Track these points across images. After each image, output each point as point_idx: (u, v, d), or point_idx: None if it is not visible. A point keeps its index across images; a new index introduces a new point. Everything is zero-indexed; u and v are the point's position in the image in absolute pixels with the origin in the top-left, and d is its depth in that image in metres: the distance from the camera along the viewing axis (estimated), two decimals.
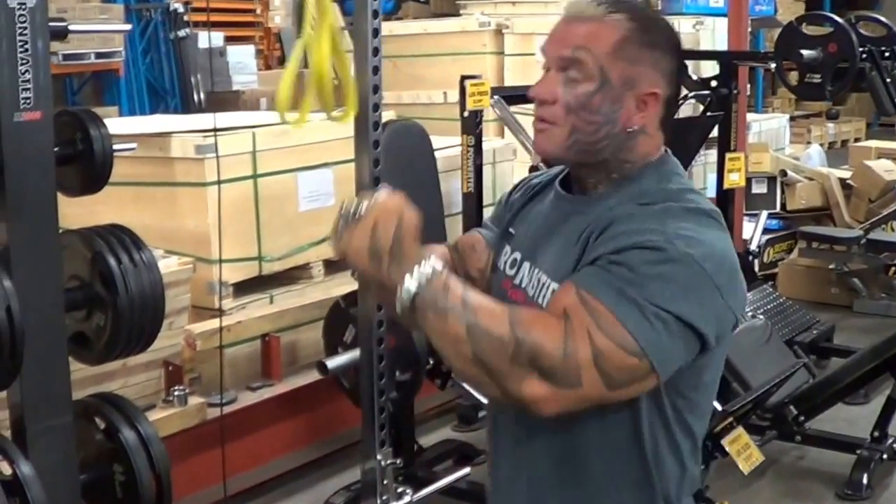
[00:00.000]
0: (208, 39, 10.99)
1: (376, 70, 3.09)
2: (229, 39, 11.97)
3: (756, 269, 7.25)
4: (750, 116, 9.29)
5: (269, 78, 11.27)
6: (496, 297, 1.99)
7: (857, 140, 15.72)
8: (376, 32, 3.07)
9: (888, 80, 5.98)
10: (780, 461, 5.27)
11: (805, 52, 5.74)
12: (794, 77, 6.01)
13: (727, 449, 4.31)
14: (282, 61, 13.53)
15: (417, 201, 4.24)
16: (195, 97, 11.23)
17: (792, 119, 14.02)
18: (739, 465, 4.34)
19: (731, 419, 4.34)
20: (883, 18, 6.51)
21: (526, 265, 2.14)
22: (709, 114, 6.06)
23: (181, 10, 11.15)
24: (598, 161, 2.05)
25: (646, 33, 2.02)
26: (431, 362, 4.23)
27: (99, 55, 9.94)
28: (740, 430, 4.38)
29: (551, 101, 2.02)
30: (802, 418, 5.10)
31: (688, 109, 6.87)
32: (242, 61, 11.22)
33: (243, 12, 13.72)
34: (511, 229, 2.25)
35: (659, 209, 1.96)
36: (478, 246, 2.35)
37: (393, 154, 4.00)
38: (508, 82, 7.68)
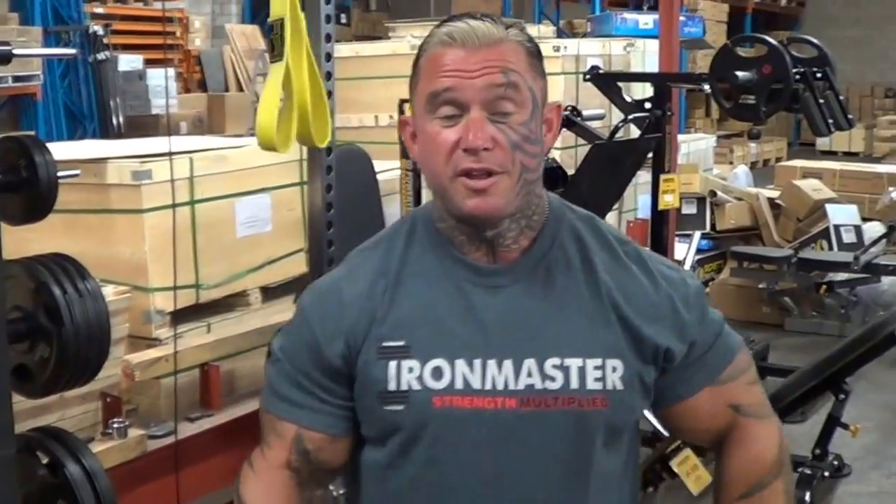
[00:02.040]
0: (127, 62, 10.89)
1: (329, 94, 3.06)
2: (148, 62, 11.85)
3: None
4: (679, 137, 9.35)
5: (189, 101, 11.17)
6: (408, 423, 1.81)
7: (778, 160, 15.92)
8: (329, 56, 3.03)
9: (821, 101, 6.04)
10: None
11: (740, 73, 5.80)
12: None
13: (676, 471, 4.30)
14: (202, 84, 13.42)
15: (363, 226, 4.19)
16: (114, 121, 11.11)
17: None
18: (689, 486, 4.34)
19: (678, 442, 4.32)
20: (814, 40, 6.58)
21: (508, 364, 1.80)
22: (647, 136, 6.07)
23: (101, 32, 11.03)
24: (527, 202, 1.85)
25: (533, 44, 1.91)
26: None
27: (17, 78, 9.82)
28: (688, 451, 4.37)
29: (492, 146, 1.76)
30: None
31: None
32: (162, 84, 11.12)
33: (163, 35, 13.59)
34: (390, 343, 1.84)
35: (645, 254, 1.95)
36: (320, 441, 1.93)
37: (338, 179, 3.95)
38: None
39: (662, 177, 6.12)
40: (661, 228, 6.08)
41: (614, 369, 1.82)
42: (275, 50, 2.88)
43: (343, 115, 7.96)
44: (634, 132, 6.19)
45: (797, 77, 5.90)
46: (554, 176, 5.33)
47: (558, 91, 7.08)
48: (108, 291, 4.26)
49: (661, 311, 1.88)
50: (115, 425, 4.20)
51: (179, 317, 4.92)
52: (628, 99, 6.21)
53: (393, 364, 1.83)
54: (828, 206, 8.17)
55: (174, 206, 4.54)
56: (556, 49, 7.40)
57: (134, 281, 4.60)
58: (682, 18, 11.48)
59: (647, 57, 8.31)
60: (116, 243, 4.74)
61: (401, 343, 1.83)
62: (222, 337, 4.89)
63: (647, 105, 6.06)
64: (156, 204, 4.58)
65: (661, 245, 5.80)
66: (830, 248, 7.97)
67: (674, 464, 4.31)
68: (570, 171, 5.37)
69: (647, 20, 10.09)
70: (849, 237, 7.97)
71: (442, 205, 1.86)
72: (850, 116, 6.43)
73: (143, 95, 10.93)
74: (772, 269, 7.79)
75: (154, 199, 4.55)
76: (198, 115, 11.18)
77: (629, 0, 16.75)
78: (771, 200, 8.72)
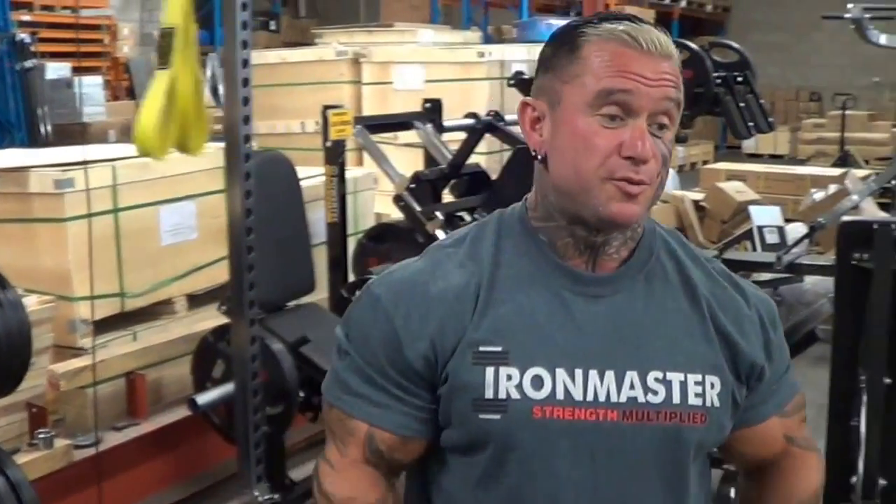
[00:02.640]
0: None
1: (246, 101, 3.07)
2: (76, 70, 11.75)
3: None
4: None
5: (118, 109, 11.09)
6: (504, 433, 1.72)
7: (705, 163, 16.06)
8: (246, 63, 3.04)
9: (741, 104, 6.14)
10: None
11: None
12: None
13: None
14: (130, 92, 13.35)
15: (285, 233, 4.20)
16: (42, 130, 10.99)
17: None
18: None
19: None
20: (735, 45, 6.68)
21: (611, 375, 1.73)
22: None
23: (28, 40, 10.90)
24: None
25: None
26: (302, 395, 4.20)
27: None
28: None
29: (651, 157, 1.69)
30: None
31: None
32: (90, 92, 11.02)
33: (91, 42, 13.49)
34: (487, 348, 1.73)
35: (728, 271, 1.90)
36: (392, 441, 1.82)
37: (260, 186, 3.97)
38: (367, 111, 7.67)
39: None
40: None
41: (713, 385, 1.78)
42: (162, 57, 2.88)
43: (269, 121, 7.96)
44: None
45: (718, 81, 5.99)
46: (478, 180, 5.38)
47: (483, 96, 7.13)
48: (32, 301, 4.24)
49: (755, 327, 1.85)
50: (41, 436, 4.18)
51: (105, 325, 4.92)
52: None
53: (490, 370, 1.72)
54: (751, 208, 8.26)
55: (90, 215, 4.53)
56: (481, 55, 7.46)
57: (58, 290, 4.59)
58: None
59: None
60: (40, 253, 4.72)
61: (499, 349, 1.72)
62: (148, 345, 4.89)
63: None
64: (79, 212, 4.56)
65: None
66: (754, 248, 8.02)
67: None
68: (494, 177, 5.43)
69: None
70: (772, 238, 8.04)
71: (559, 203, 1.74)
72: (770, 119, 6.54)
73: (71, 103, 10.82)
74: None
75: (77, 208, 4.53)
76: (126, 123, 11.10)
77: (556, 6, 16.88)
78: (696, 203, 8.82)
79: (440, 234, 4.81)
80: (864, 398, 3.75)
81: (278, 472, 4.49)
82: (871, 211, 7.90)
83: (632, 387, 1.72)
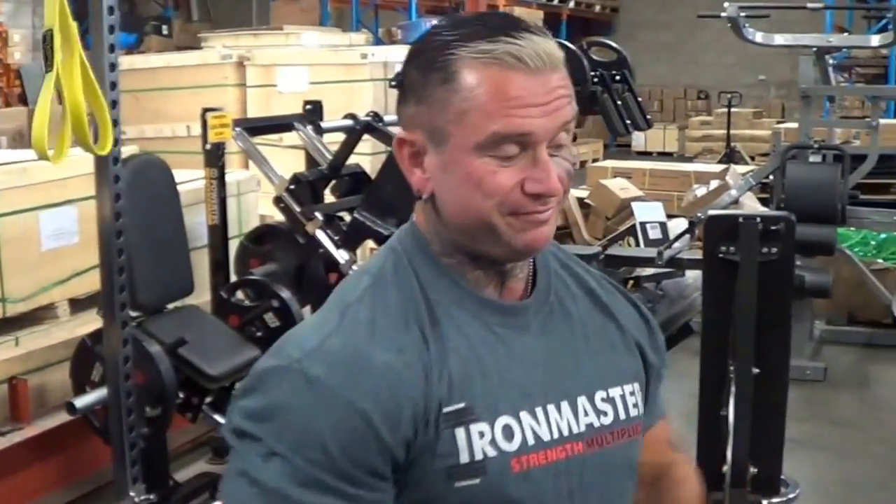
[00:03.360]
0: None
1: (115, 104, 3.09)
2: None
3: None
4: None
5: (10, 116, 10.96)
6: (485, 497, 1.52)
7: (595, 160, 16.25)
8: (113, 66, 3.07)
9: (619, 102, 6.26)
10: None
11: None
12: None
13: None
14: (22, 98, 13.19)
15: (162, 235, 4.22)
16: None
17: None
18: None
19: None
20: (613, 44, 6.79)
21: (566, 406, 1.61)
22: None
23: None
24: None
25: None
26: (182, 396, 4.23)
27: None
28: None
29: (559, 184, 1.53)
30: None
31: None
32: None
33: None
34: (452, 408, 1.50)
35: (604, 277, 1.81)
36: None
37: (135, 189, 3.99)
38: (252, 114, 7.70)
39: None
40: None
41: (638, 393, 1.71)
42: (47, 60, 2.89)
43: (156, 125, 7.96)
44: None
45: (595, 79, 6.10)
46: (359, 180, 5.45)
47: (367, 97, 7.20)
48: None
49: (649, 331, 1.80)
50: None
51: None
52: None
53: (461, 431, 1.50)
54: (634, 204, 8.36)
55: None
56: (364, 56, 7.53)
57: None
58: None
59: None
60: None
61: (462, 405, 1.51)
62: (30, 350, 4.89)
63: None
64: None
65: None
66: (637, 244, 8.16)
67: None
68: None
69: None
70: (654, 233, 8.15)
71: (458, 241, 1.57)
72: (648, 117, 6.67)
73: None
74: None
75: None
76: (18, 130, 10.98)
77: (445, 7, 16.97)
78: (581, 200, 8.95)
79: (320, 234, 4.87)
80: (733, 388, 3.87)
81: (161, 473, 4.51)
82: (751, 205, 8.08)
83: (585, 413, 1.62)
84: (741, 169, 9.85)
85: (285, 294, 4.68)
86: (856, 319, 8.20)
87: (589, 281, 1.73)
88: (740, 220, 3.89)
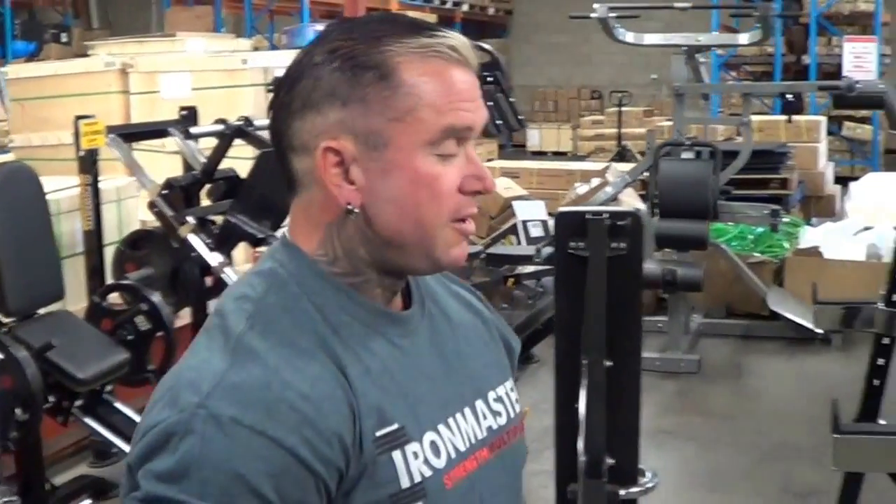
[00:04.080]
0: None
1: None
2: None
3: None
4: None
5: None
6: None
7: (490, 160, 16.43)
8: None
9: (490, 103, 6.41)
10: None
11: None
12: None
13: None
14: None
15: (30, 243, 4.29)
16: None
17: None
18: None
19: None
20: (486, 45, 6.97)
21: (469, 412, 1.55)
22: None
23: None
24: None
25: None
26: (51, 400, 4.30)
27: None
28: None
29: None
30: None
31: None
32: None
33: None
34: (383, 431, 1.41)
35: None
36: None
37: (2, 197, 4.07)
38: (135, 120, 7.71)
39: None
40: None
41: (514, 387, 1.67)
42: None
43: (41, 132, 7.96)
44: None
45: None
46: (233, 184, 5.54)
47: (248, 102, 7.27)
48: None
49: (497, 318, 1.74)
50: None
51: None
52: None
53: (397, 455, 1.42)
54: (515, 203, 8.54)
55: None
56: (244, 61, 7.60)
57: None
58: None
59: None
60: None
61: (395, 426, 1.42)
62: None
63: None
64: None
65: None
66: (519, 242, 8.33)
67: None
68: None
69: None
70: (536, 231, 8.34)
71: (379, 257, 1.47)
72: (520, 117, 6.85)
73: None
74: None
75: None
76: None
77: (338, 13, 17.01)
78: None
79: (193, 238, 4.96)
80: (585, 381, 4.01)
81: (36, 476, 4.58)
82: (629, 202, 8.28)
83: (484, 416, 1.56)
84: (622, 166, 10.06)
85: (156, 298, 4.75)
86: (734, 312, 8.43)
87: (445, 281, 1.68)
88: (588, 216, 4.03)
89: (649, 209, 7.50)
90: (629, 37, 7.89)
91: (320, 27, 10.10)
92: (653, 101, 20.08)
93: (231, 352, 1.38)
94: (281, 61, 7.75)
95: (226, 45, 9.81)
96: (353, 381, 1.39)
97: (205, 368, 1.37)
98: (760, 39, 8.69)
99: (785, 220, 8.47)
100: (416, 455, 1.43)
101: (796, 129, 11.06)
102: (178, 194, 5.17)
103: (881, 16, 16.90)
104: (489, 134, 6.59)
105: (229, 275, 4.90)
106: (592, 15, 7.56)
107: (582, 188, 9.23)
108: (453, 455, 1.48)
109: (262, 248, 5.06)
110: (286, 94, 1.44)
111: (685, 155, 7.46)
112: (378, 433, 1.39)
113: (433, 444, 1.46)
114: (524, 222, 8.33)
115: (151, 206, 5.08)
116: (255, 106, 7.21)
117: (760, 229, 8.67)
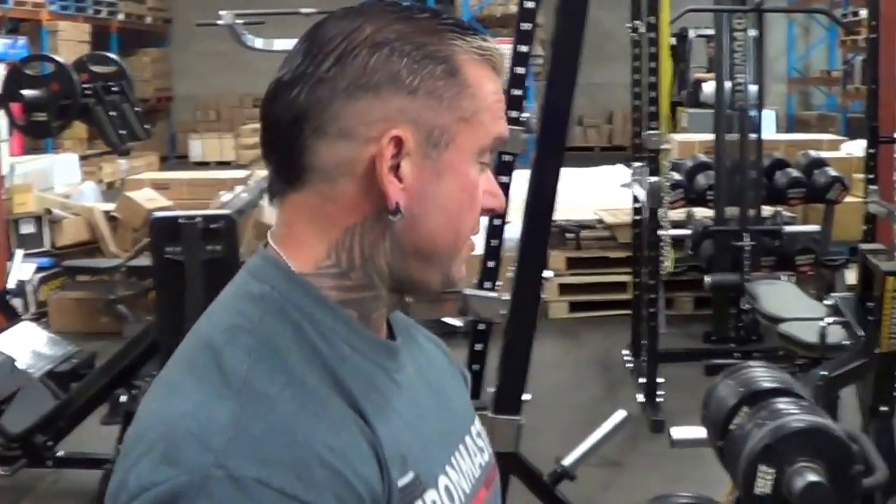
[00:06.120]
0: None
1: None
2: None
3: (28, 307, 7.51)
4: (12, 159, 9.50)
5: None
6: None
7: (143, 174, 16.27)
8: None
9: (114, 113, 6.34)
10: (37, 488, 5.43)
11: (27, 92, 5.96)
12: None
13: None
14: None
15: None
16: None
17: (84, 157, 14.30)
18: None
19: None
20: (113, 56, 6.92)
21: (463, 449, 1.42)
22: None
23: None
24: None
25: None
26: None
27: None
28: None
29: None
30: (51, 443, 5.26)
31: None
32: None
33: None
34: (404, 481, 1.25)
35: None
36: None
37: None
38: None
39: None
40: None
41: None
42: None
43: None
44: None
45: (88, 92, 6.16)
46: None
47: None
48: None
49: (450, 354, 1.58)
50: None
51: None
52: None
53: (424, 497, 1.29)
54: (154, 215, 8.47)
55: None
56: None
57: None
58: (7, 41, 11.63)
59: None
60: None
61: (411, 475, 1.26)
62: None
63: None
64: None
65: None
66: None
67: None
68: None
69: None
70: None
71: (401, 268, 1.31)
72: (146, 126, 6.81)
73: None
74: (105, 279, 8.05)
75: None
76: None
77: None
78: (108, 213, 8.96)
79: None
80: None
81: None
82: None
83: (474, 454, 1.43)
84: (263, 173, 10.10)
85: None
86: None
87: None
88: (180, 220, 4.07)
89: None
90: (258, 43, 7.93)
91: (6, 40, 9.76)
92: None
93: (236, 395, 1.17)
94: None
95: None
96: (373, 425, 1.23)
97: (207, 416, 1.16)
98: None
99: None
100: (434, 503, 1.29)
101: None
102: None
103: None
104: (111, 143, 6.48)
105: None
106: (219, 22, 7.56)
107: (226, 196, 9.21)
108: (463, 499, 1.35)
109: None
110: (329, 68, 1.26)
111: None
112: (400, 483, 1.24)
113: (446, 489, 1.32)
114: None
115: None
116: None
117: None
